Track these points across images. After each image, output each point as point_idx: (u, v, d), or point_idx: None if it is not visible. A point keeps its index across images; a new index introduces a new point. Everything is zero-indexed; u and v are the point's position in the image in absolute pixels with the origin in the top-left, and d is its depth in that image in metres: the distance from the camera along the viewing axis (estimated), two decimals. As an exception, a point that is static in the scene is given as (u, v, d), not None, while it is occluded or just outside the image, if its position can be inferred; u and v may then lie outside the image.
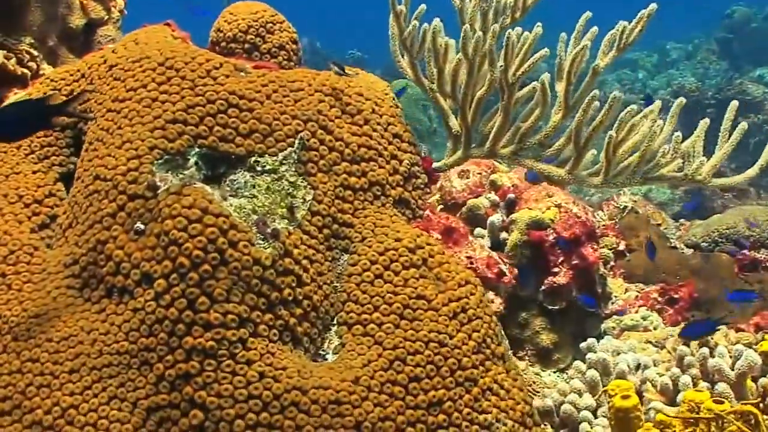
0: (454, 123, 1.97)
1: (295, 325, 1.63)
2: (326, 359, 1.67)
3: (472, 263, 2.14)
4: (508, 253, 2.25)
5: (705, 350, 1.82)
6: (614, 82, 9.57)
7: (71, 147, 1.91)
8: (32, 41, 2.29)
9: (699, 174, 1.94)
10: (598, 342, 2.08)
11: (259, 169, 1.72)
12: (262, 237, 1.62)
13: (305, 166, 1.75)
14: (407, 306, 1.68)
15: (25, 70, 2.22)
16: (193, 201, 1.58)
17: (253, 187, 1.70)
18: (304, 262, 1.67)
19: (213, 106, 1.72)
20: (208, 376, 1.50)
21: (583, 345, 2.11)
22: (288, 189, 1.72)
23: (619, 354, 2.02)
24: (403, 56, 1.96)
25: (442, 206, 2.26)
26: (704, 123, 1.98)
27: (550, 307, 2.26)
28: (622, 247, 2.82)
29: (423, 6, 1.90)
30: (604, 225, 3.02)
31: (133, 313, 1.57)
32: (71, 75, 1.95)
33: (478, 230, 2.29)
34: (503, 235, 2.29)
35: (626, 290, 2.63)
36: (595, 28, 1.94)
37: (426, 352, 1.64)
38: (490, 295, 2.11)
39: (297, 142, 1.75)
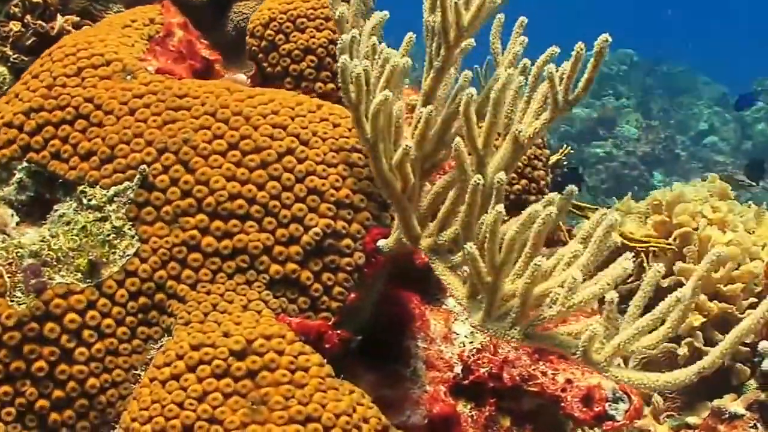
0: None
1: (47, 410, 1.26)
2: (103, 461, 1.29)
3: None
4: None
5: None
6: None
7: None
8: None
9: (597, 353, 1.08)
10: None
11: (84, 201, 1.34)
12: (22, 289, 1.27)
13: (140, 210, 1.33)
14: (189, 430, 1.21)
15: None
16: (-62, 228, 1.28)
17: (67, 223, 1.33)
18: (86, 333, 1.28)
19: (60, 114, 1.37)
20: None
21: None
22: (108, 235, 1.32)
23: None
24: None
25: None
26: None
27: None
28: None
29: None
30: None
31: None
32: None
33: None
34: None
35: None
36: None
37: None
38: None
39: (138, 176, 1.33)
